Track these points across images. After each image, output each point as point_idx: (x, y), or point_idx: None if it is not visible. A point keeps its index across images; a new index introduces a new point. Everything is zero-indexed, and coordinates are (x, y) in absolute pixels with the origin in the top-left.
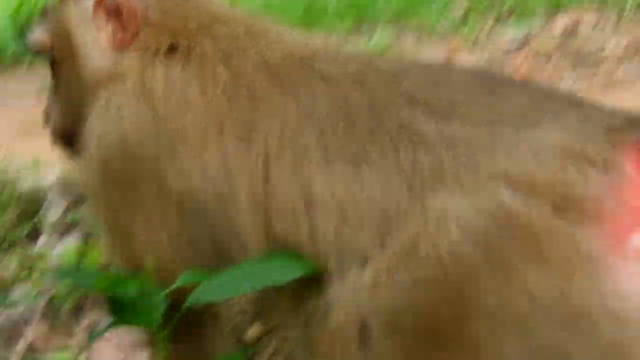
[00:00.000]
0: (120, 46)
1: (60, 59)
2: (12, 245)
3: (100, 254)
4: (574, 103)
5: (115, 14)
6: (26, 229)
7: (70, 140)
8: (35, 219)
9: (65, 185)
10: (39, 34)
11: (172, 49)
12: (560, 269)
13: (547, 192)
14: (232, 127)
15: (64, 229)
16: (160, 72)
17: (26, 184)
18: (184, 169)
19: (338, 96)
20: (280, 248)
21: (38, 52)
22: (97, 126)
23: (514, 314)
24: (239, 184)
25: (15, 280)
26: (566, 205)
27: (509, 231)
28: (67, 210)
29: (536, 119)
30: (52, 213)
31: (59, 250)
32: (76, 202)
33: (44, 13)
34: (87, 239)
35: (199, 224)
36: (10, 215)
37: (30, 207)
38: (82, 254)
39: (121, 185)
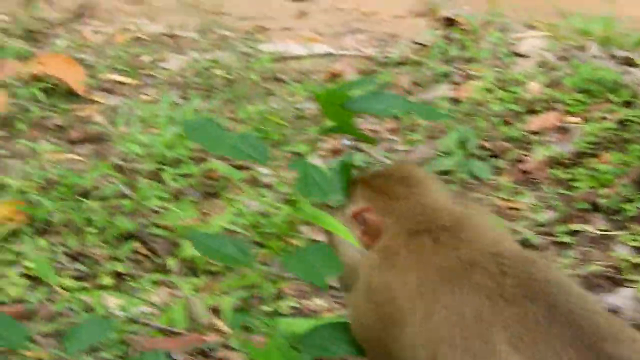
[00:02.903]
0: (366, 245)
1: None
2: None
3: None
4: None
5: (364, 222)
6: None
7: None
8: None
9: None
10: None
11: (394, 252)
12: None
13: None
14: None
15: None
16: (382, 277)
17: None
18: (407, 341)
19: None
20: None
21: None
22: (352, 306)
23: None
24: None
25: None
26: None
27: None
28: None
29: None
30: None
31: None
32: None
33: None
34: None
35: None
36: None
37: None
38: None
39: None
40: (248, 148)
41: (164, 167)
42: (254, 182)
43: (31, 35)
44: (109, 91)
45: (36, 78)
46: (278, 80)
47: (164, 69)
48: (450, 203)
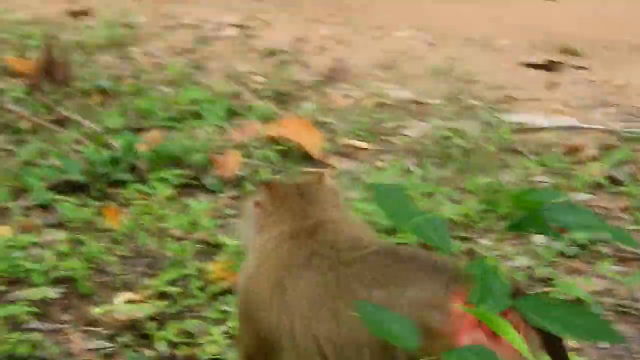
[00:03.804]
0: (258, 230)
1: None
2: None
3: None
4: (435, 270)
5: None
6: None
7: None
8: None
9: None
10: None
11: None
12: None
13: (425, 326)
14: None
15: None
16: (255, 272)
17: None
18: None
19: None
20: None
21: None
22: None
23: None
24: None
25: None
26: (433, 331)
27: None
28: None
29: (417, 281)
30: None
31: None
32: None
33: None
34: None
35: None
36: None
37: None
38: None
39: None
40: (430, 230)
41: (383, 235)
42: (471, 255)
43: (281, 98)
44: (345, 156)
45: (274, 140)
46: (515, 152)
47: (404, 135)
48: (331, 212)
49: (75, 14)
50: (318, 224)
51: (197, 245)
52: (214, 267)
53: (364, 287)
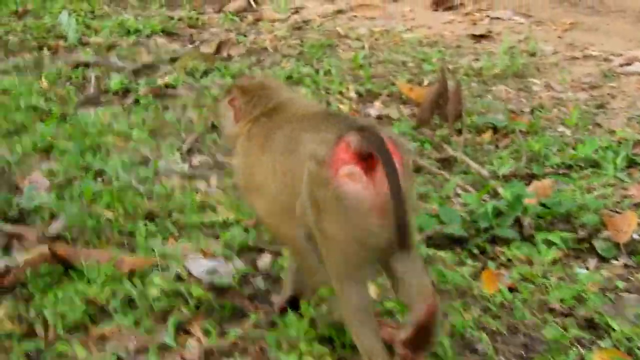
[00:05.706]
0: (236, 121)
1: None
2: None
3: None
4: (341, 120)
5: (233, 107)
6: None
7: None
8: None
9: None
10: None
11: (250, 129)
12: (322, 186)
13: (315, 157)
14: (270, 148)
15: None
16: (246, 144)
17: None
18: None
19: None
20: None
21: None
22: (235, 158)
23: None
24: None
25: None
26: (320, 161)
27: (312, 174)
28: None
29: (322, 126)
30: None
31: None
32: None
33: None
34: None
35: None
36: None
37: None
38: None
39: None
40: None
41: None
42: None
43: None
44: None
45: None
46: None
47: None
48: (284, 96)
49: (477, 37)
50: (279, 102)
51: (580, 324)
52: (598, 356)
53: (303, 132)
